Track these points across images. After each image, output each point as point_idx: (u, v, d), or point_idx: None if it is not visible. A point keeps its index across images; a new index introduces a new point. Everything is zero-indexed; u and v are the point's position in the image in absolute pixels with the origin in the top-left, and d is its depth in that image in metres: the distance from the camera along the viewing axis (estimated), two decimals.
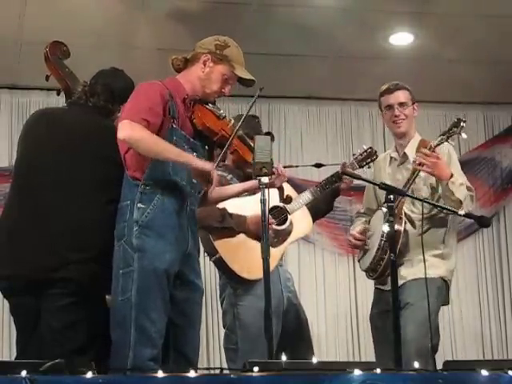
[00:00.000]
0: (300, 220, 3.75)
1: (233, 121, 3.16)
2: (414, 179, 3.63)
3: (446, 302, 3.80)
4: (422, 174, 3.65)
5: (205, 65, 3.09)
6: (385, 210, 3.41)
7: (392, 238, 3.17)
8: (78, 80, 3.35)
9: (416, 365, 2.44)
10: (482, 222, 3.55)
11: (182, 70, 3.15)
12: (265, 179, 2.86)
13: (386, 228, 3.34)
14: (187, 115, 3.03)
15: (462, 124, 3.76)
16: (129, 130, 2.82)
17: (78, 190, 2.98)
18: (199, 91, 3.09)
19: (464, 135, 3.78)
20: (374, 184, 3.61)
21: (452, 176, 3.57)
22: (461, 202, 3.56)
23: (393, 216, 3.14)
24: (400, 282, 3.40)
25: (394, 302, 3.08)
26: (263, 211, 2.83)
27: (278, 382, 2.17)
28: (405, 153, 3.82)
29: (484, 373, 2.23)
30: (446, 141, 3.71)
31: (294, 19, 5.29)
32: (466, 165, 6.63)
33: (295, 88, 6.32)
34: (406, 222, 3.64)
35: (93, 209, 2.96)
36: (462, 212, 3.47)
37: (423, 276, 3.42)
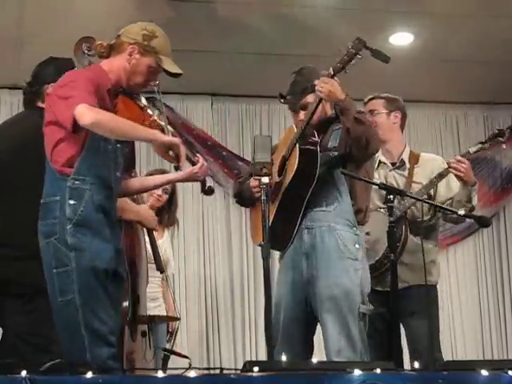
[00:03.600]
0: None
1: (157, 112, 3.10)
2: (436, 183, 3.77)
3: None
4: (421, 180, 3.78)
5: (131, 56, 2.96)
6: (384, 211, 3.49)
7: (393, 237, 3.17)
8: None
9: (416, 365, 2.44)
10: (482, 222, 3.57)
11: (106, 58, 3.01)
12: (265, 179, 2.86)
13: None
14: (110, 106, 2.93)
15: (507, 134, 3.84)
16: (94, 114, 2.71)
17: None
18: (123, 82, 2.99)
19: (504, 146, 3.87)
20: (374, 184, 3.61)
21: (475, 183, 3.73)
22: (473, 209, 3.71)
23: (392, 216, 3.15)
24: (401, 285, 3.46)
25: (394, 302, 3.08)
26: (263, 211, 2.83)
27: (278, 382, 2.16)
28: (402, 159, 3.92)
29: (484, 373, 2.23)
30: (487, 149, 3.82)
31: (293, 19, 5.29)
32: None
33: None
34: (408, 225, 3.71)
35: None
36: (461, 212, 3.49)
37: (424, 283, 3.52)
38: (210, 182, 3.46)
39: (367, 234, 3.58)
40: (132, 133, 2.83)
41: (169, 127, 3.12)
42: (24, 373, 1.96)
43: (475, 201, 3.78)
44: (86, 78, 2.86)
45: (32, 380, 1.95)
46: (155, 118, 3.05)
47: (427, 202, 3.61)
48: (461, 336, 6.48)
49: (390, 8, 5.27)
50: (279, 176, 3.37)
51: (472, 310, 6.61)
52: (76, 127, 2.73)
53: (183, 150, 2.85)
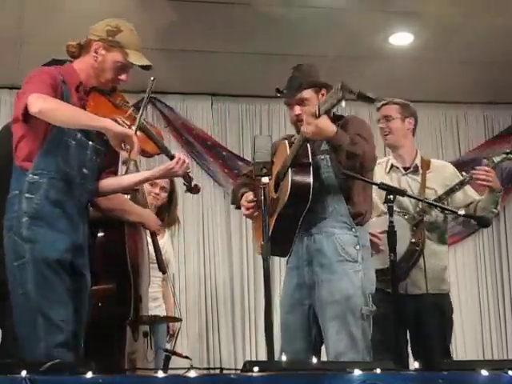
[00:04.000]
0: None
1: (132, 109, 3.06)
2: (457, 191, 3.84)
3: None
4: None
5: (96, 53, 2.97)
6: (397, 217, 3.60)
7: (393, 237, 3.18)
8: None
9: (416, 365, 2.44)
10: (482, 222, 3.58)
11: (78, 57, 3.03)
12: (265, 179, 2.86)
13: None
14: (80, 104, 2.93)
15: None
16: (41, 102, 2.73)
17: None
18: (94, 80, 2.99)
19: None
20: (374, 184, 3.62)
21: (501, 190, 3.86)
22: (498, 214, 3.94)
23: (392, 216, 3.15)
24: (418, 292, 3.70)
25: (394, 303, 3.08)
26: (263, 211, 2.83)
27: (278, 382, 2.16)
28: (416, 164, 3.99)
29: (484, 373, 2.23)
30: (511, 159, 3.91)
31: (294, 19, 5.29)
32: (466, 165, 6.65)
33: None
34: (424, 231, 3.82)
35: None
36: (461, 212, 3.50)
37: (441, 292, 3.86)
38: (196, 181, 3.45)
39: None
40: (82, 121, 2.81)
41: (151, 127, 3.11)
42: (24, 373, 1.96)
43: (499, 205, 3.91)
44: (45, 72, 2.89)
45: (32, 380, 1.95)
46: (131, 113, 3.02)
47: (427, 203, 3.61)
48: (461, 336, 6.48)
49: (390, 8, 5.27)
50: (275, 192, 3.39)
51: (472, 310, 6.61)
52: (26, 116, 2.78)
53: (135, 142, 2.81)
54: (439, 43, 5.75)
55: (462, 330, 6.50)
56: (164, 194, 4.52)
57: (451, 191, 3.82)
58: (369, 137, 3.36)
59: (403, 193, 3.39)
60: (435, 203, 3.67)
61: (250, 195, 3.49)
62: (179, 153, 3.19)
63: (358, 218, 3.35)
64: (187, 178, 3.32)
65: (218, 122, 6.62)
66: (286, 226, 3.31)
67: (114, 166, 3.16)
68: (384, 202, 3.23)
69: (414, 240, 3.76)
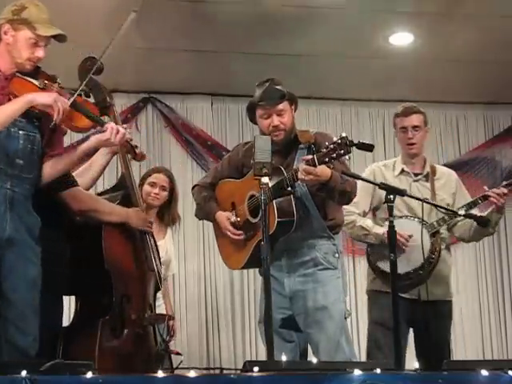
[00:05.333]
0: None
1: (57, 85, 3.01)
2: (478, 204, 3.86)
3: None
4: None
5: (6, 34, 2.94)
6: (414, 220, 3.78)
7: (393, 237, 3.17)
8: None
9: (416, 365, 2.44)
10: (482, 222, 3.58)
11: None
12: (265, 179, 2.86)
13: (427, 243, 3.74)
14: (3, 93, 2.91)
15: None
16: None
17: None
18: (12, 63, 2.97)
19: None
20: (374, 184, 3.63)
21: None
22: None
23: (392, 216, 3.15)
24: (431, 297, 3.71)
25: (393, 303, 3.08)
26: (263, 211, 2.83)
27: (278, 381, 2.17)
28: (428, 172, 4.03)
29: (484, 373, 2.23)
30: None
31: (294, 19, 5.29)
32: (466, 165, 6.65)
33: (295, 88, 6.32)
34: (440, 240, 3.87)
35: None
36: (461, 212, 3.51)
37: (449, 298, 3.97)
38: (139, 149, 3.46)
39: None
40: (5, 114, 2.80)
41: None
42: (24, 373, 1.96)
43: None
44: None
45: (32, 380, 1.95)
46: (57, 90, 2.98)
47: (428, 203, 3.61)
48: (461, 336, 6.48)
49: (389, 8, 5.27)
50: (252, 216, 3.45)
51: (472, 310, 6.60)
52: None
53: (62, 105, 2.83)
54: (439, 43, 5.74)
55: (462, 330, 6.50)
56: (164, 193, 4.51)
57: (474, 204, 3.83)
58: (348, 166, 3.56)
59: (403, 193, 3.39)
60: (436, 204, 3.68)
61: (230, 216, 3.58)
62: (111, 123, 3.15)
63: (337, 229, 3.53)
64: (129, 147, 3.33)
65: (218, 122, 6.62)
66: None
67: (56, 147, 3.11)
68: (384, 202, 3.22)
69: (431, 248, 3.78)
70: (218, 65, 5.89)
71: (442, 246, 3.89)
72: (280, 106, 3.48)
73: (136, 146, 3.40)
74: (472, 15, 5.32)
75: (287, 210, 3.32)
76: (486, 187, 3.92)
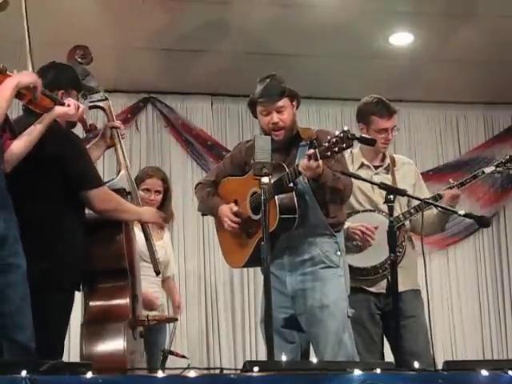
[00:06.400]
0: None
1: (16, 71, 2.95)
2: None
3: None
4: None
5: None
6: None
7: (393, 237, 3.17)
8: None
9: (416, 365, 2.44)
10: (482, 222, 3.57)
11: None
12: (265, 179, 2.86)
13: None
14: None
15: None
16: None
17: None
18: None
19: None
20: (374, 184, 3.61)
21: None
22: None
23: (392, 215, 3.15)
24: (401, 289, 3.46)
25: (394, 303, 3.09)
26: (263, 211, 2.83)
27: (278, 381, 2.16)
28: (389, 163, 3.95)
29: (484, 373, 2.23)
30: (500, 173, 3.95)
31: (293, 19, 5.29)
32: (466, 165, 6.65)
33: (295, 88, 6.32)
34: (405, 232, 3.83)
35: None
36: (461, 212, 3.50)
37: (418, 288, 3.83)
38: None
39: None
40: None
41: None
42: (24, 373, 1.96)
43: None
44: None
45: (32, 380, 1.95)
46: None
47: (427, 203, 3.60)
48: (461, 336, 6.49)
49: (390, 8, 5.27)
50: (254, 213, 3.41)
51: (472, 309, 6.61)
52: None
53: (38, 84, 2.86)
54: (439, 43, 5.75)
55: (461, 330, 6.51)
56: (159, 197, 4.51)
57: (419, 209, 3.76)
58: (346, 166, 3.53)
59: (403, 193, 3.39)
60: (435, 203, 3.67)
61: (233, 206, 3.53)
62: (70, 99, 3.16)
63: (339, 227, 3.47)
64: (83, 122, 3.36)
65: (218, 122, 6.62)
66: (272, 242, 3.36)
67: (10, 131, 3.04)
68: (384, 202, 3.22)
69: (398, 241, 3.73)
70: (218, 65, 5.89)
71: (407, 238, 3.85)
72: (280, 103, 3.45)
73: (86, 119, 3.42)
74: (472, 15, 5.33)
75: (289, 206, 3.29)
76: (451, 179, 3.93)
